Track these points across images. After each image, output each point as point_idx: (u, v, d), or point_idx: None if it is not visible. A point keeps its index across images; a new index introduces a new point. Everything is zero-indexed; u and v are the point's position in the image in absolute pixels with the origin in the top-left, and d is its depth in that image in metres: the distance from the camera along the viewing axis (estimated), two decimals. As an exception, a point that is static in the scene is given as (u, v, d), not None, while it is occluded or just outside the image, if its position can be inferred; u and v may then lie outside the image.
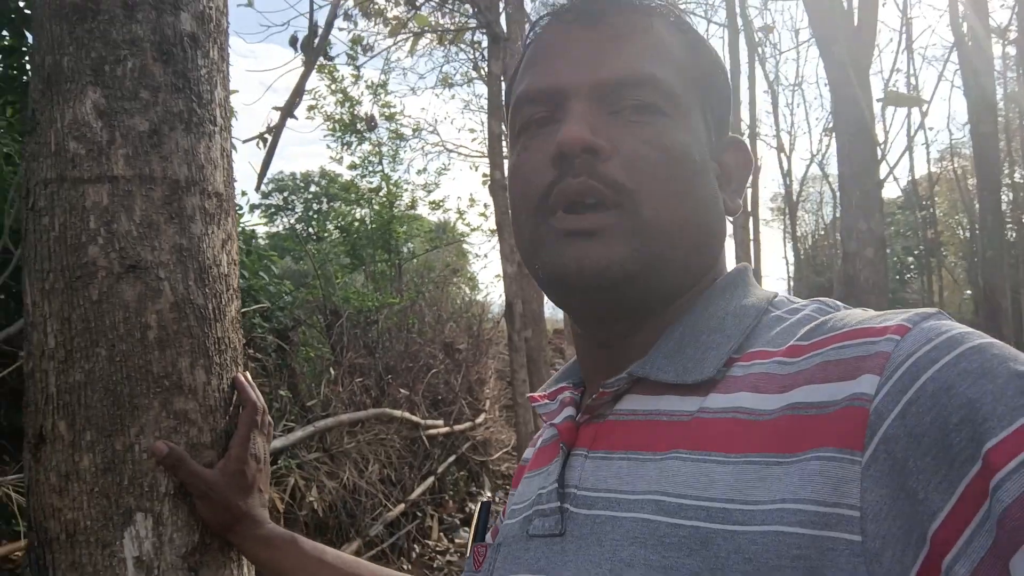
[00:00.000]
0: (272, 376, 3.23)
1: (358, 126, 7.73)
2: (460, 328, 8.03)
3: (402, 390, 4.93)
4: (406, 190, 8.15)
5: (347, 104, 7.62)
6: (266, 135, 2.99)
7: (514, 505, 0.68)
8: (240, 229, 3.83)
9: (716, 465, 0.49)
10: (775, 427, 0.48)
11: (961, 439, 0.41)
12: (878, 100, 4.24)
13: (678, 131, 0.58)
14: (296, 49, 3.32)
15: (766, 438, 0.48)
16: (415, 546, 4.69)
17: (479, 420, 6.51)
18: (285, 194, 21.09)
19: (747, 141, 0.69)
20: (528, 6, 5.11)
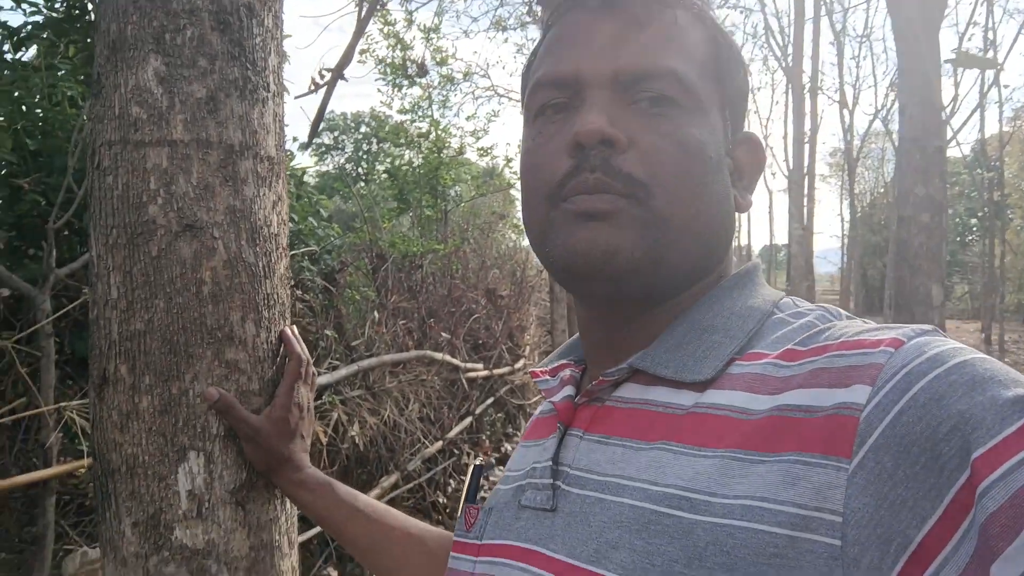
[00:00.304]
0: (319, 316, 3.35)
1: (409, 71, 7.71)
2: (503, 274, 8.09)
3: (444, 334, 5.04)
4: (454, 136, 8.16)
5: (399, 48, 7.58)
6: (316, 85, 3.03)
7: (509, 472, 0.70)
8: (290, 172, 3.91)
9: (701, 459, 0.50)
10: (759, 426, 0.49)
11: (950, 448, 0.42)
12: (947, 61, 4.04)
13: (695, 126, 0.58)
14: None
15: (749, 436, 0.49)
16: (451, 481, 4.86)
17: (518, 365, 6.61)
18: (336, 134, 21.24)
19: (761, 138, 0.69)
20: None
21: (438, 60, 8.18)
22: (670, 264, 0.58)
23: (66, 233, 2.39)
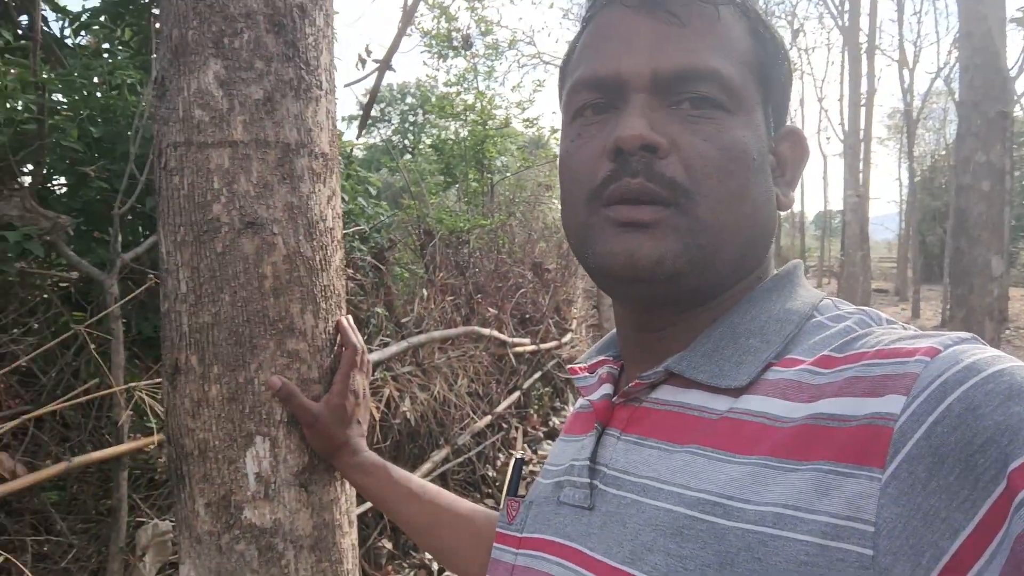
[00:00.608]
0: (369, 295, 3.41)
1: (455, 42, 7.69)
2: (550, 247, 8.08)
3: (491, 309, 5.09)
4: (499, 107, 8.11)
5: (444, 20, 7.56)
6: (363, 61, 3.05)
7: (549, 465, 0.71)
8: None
9: (735, 465, 0.51)
10: (793, 434, 0.49)
11: (986, 460, 0.41)
12: (1013, 20, 3.86)
13: (738, 127, 0.57)
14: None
15: (782, 443, 0.49)
16: (500, 455, 4.94)
17: (565, 339, 6.63)
18: (382, 106, 21.35)
19: (803, 131, 0.67)
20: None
21: (483, 31, 8.14)
22: (712, 270, 0.58)
23: (130, 218, 2.48)
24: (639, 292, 0.59)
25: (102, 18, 3.09)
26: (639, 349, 0.65)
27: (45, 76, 2.40)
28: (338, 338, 1.03)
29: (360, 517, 3.03)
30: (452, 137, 8.17)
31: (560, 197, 0.65)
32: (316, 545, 0.99)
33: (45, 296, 2.35)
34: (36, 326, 2.28)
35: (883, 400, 0.46)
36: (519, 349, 5.26)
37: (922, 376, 0.45)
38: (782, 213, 0.66)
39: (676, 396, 0.59)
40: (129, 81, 2.51)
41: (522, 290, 6.04)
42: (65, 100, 2.56)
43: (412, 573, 3.37)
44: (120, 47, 3.06)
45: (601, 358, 0.71)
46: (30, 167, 2.40)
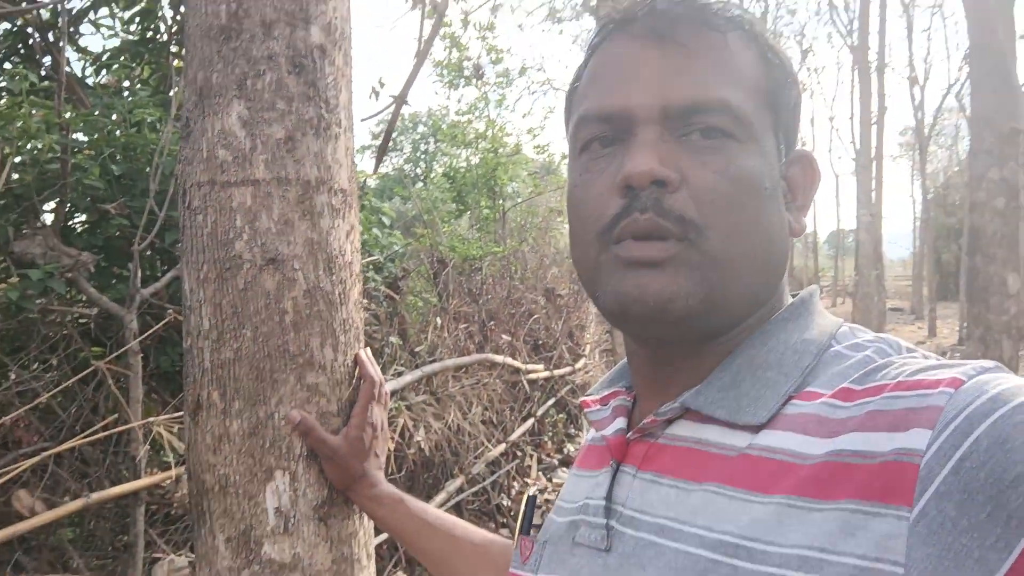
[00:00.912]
0: (383, 324, 3.43)
1: (466, 71, 7.81)
2: (562, 272, 8.09)
3: (504, 336, 5.09)
4: (510, 134, 8.19)
5: (456, 49, 7.69)
6: (376, 93, 3.10)
7: (562, 502, 0.69)
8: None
9: (756, 504, 0.49)
10: (816, 471, 0.47)
11: (1018, 496, 0.40)
12: (1022, 37, 3.87)
13: (748, 157, 0.56)
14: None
15: (803, 482, 0.48)
16: (515, 483, 4.91)
17: (579, 365, 6.61)
18: (395, 135, 21.57)
19: (814, 156, 0.65)
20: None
21: (494, 60, 8.26)
22: (727, 305, 0.56)
23: (148, 253, 2.52)
24: (652, 332, 0.58)
25: (122, 57, 3.16)
26: (653, 383, 0.63)
27: (68, 115, 2.45)
28: (356, 371, 1.04)
29: (376, 548, 3.01)
30: (464, 165, 8.25)
31: (569, 232, 0.64)
32: (336, 579, 0.99)
33: (65, 332, 2.38)
34: (56, 363, 2.30)
35: (908, 435, 0.44)
36: (533, 376, 5.25)
37: (947, 409, 0.44)
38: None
39: (693, 432, 0.57)
40: (149, 119, 2.56)
41: (535, 316, 6.05)
42: (87, 138, 2.61)
43: (429, 605, 3.34)
44: (140, 85, 3.13)
45: (613, 389, 0.69)
46: (52, 205, 2.45)
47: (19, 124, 2.16)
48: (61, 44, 2.32)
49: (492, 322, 5.05)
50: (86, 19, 3.07)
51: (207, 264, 0.95)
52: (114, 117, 2.67)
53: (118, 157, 2.58)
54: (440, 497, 3.56)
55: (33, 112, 2.29)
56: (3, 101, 2.63)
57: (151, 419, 1.99)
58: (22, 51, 2.98)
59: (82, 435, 1.94)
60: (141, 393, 2.02)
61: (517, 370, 4.90)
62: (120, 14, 3.21)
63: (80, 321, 2.48)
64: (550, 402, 5.81)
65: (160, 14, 3.31)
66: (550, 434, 5.85)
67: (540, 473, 5.37)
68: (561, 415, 6.27)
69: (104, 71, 3.19)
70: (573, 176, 0.62)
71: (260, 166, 0.95)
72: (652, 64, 0.57)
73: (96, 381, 2.18)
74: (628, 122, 0.57)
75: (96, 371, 2.04)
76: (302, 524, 0.96)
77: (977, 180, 4.65)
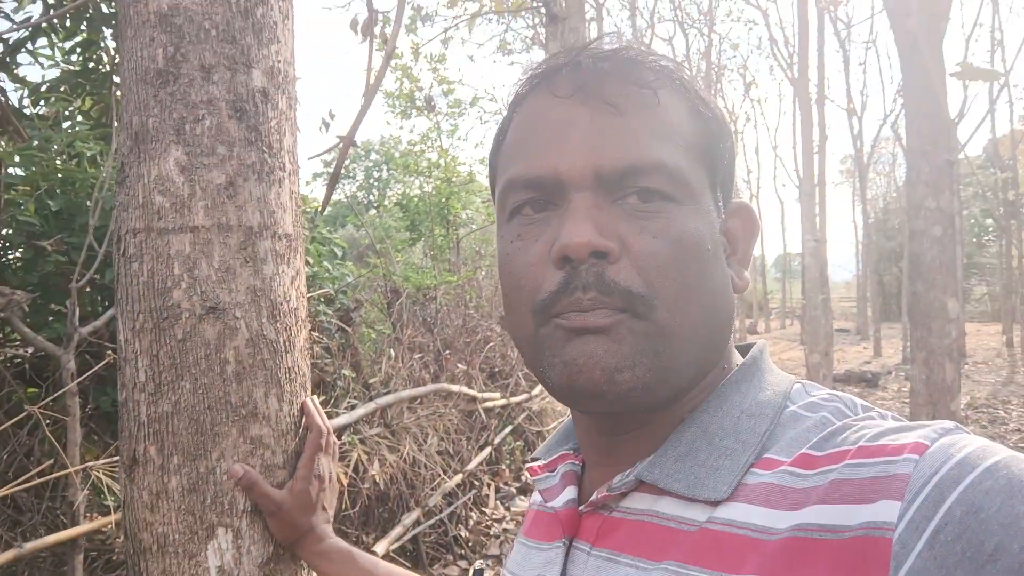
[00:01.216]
0: (335, 357, 3.37)
1: (417, 102, 7.83)
2: (517, 299, 8.08)
3: (460, 365, 5.05)
4: (463, 163, 8.21)
5: (407, 80, 7.70)
6: (326, 124, 3.07)
7: (510, 572, 0.66)
8: (303, 209, 3.95)
9: None
10: (779, 548, 0.45)
11: (997, 570, 0.38)
12: (952, 75, 4.04)
13: (688, 218, 0.54)
14: (356, 32, 3.39)
15: (770, 559, 0.45)
16: (472, 514, 4.85)
17: (535, 392, 6.60)
18: (346, 162, 21.45)
19: (752, 205, 0.64)
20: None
21: (445, 91, 8.29)
22: (676, 373, 0.54)
23: (88, 290, 2.43)
24: (601, 407, 0.54)
25: (62, 88, 3.07)
26: (602, 451, 0.60)
27: (2, 148, 2.37)
28: (303, 420, 1.01)
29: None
30: (417, 192, 8.24)
31: (503, 297, 0.59)
32: (283, 639, 0.95)
33: (-2, 373, 2.28)
34: (-13, 405, 2.20)
35: (876, 507, 0.42)
36: (489, 404, 5.21)
37: (913, 477, 0.42)
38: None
39: (649, 505, 0.54)
40: (89, 152, 2.49)
41: (491, 344, 6.03)
42: (23, 173, 2.53)
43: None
44: (80, 118, 3.04)
45: (561, 452, 0.66)
46: (-16, 241, 2.35)
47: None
48: (-3, 75, 2.25)
49: (447, 351, 5.01)
50: (23, 49, 2.98)
51: (143, 314, 0.92)
52: (54, 149, 2.59)
53: (57, 191, 2.49)
54: (396, 531, 3.49)
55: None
56: (-66, 133, 2.52)
57: (90, 463, 1.91)
58: (-44, 81, 2.87)
59: (15, 483, 1.85)
60: (79, 436, 1.94)
61: (473, 399, 4.86)
62: (60, 44, 3.13)
63: (14, 361, 2.37)
64: (507, 430, 5.78)
65: (103, 44, 3.24)
66: (508, 462, 5.81)
67: (498, 502, 5.32)
68: (519, 443, 6.24)
69: (43, 102, 3.09)
70: (504, 244, 0.58)
71: (199, 212, 0.92)
72: (581, 125, 0.54)
73: (31, 424, 2.08)
74: (560, 188, 0.54)
75: (30, 415, 1.95)
76: (246, 582, 0.93)
77: (915, 209, 4.81)
